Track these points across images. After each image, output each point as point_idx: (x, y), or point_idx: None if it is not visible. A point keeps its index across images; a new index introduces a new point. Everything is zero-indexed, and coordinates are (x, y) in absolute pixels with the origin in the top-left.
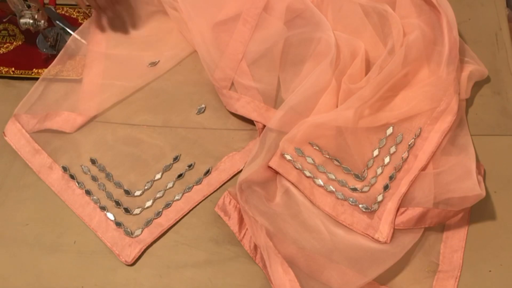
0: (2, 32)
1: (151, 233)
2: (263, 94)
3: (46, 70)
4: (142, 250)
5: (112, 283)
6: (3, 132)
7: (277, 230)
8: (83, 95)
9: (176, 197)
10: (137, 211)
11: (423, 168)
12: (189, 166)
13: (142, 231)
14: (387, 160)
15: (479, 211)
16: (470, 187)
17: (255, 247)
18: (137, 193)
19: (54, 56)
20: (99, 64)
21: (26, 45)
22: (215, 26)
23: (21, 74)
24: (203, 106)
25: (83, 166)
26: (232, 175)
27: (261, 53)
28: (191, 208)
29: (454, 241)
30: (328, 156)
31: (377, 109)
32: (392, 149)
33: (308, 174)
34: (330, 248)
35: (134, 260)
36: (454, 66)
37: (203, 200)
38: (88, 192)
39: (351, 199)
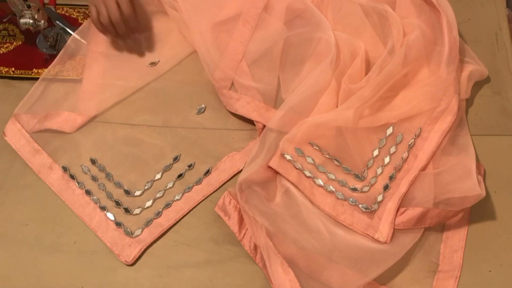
0: (2, 32)
1: (151, 233)
2: (263, 94)
3: (46, 70)
4: (142, 250)
5: (112, 283)
6: (3, 132)
7: (277, 230)
8: (83, 95)
9: (176, 197)
10: (137, 211)
11: (423, 168)
12: (189, 166)
13: (142, 231)
14: (387, 160)
15: (479, 211)
16: (470, 187)
17: (255, 247)
18: (137, 193)
19: (54, 56)
20: (99, 64)
21: (26, 45)
22: (215, 26)
23: (21, 74)
24: (203, 106)
25: (83, 166)
26: (232, 175)
27: (261, 53)
28: (191, 208)
29: (454, 241)
30: (328, 156)
31: (377, 109)
32: (392, 149)
33: (308, 174)
34: (330, 248)
35: (134, 260)
36: (454, 66)
37: (203, 200)
38: (88, 192)
39: (351, 199)
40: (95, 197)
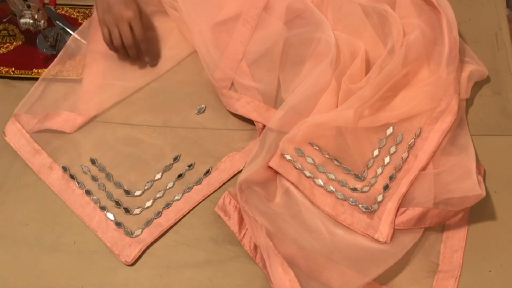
0: (2, 32)
1: (151, 233)
2: (263, 94)
3: (46, 70)
4: (142, 250)
5: (112, 283)
6: (3, 132)
7: (277, 230)
8: (83, 95)
9: (176, 197)
10: (137, 211)
11: (423, 168)
12: (189, 166)
13: (142, 231)
14: (387, 160)
15: (479, 211)
16: (470, 187)
17: (255, 247)
18: (137, 193)
19: (54, 56)
20: (99, 64)
21: (26, 45)
22: (215, 26)
23: (21, 74)
24: (203, 106)
25: (83, 166)
26: (232, 175)
27: (261, 53)
28: (191, 208)
29: (454, 241)
30: (328, 156)
31: (377, 109)
32: (392, 149)
33: (308, 174)
34: (330, 248)
35: (134, 260)
36: (454, 66)
37: (203, 200)
38: (88, 192)
39: (351, 199)
40: (95, 197)
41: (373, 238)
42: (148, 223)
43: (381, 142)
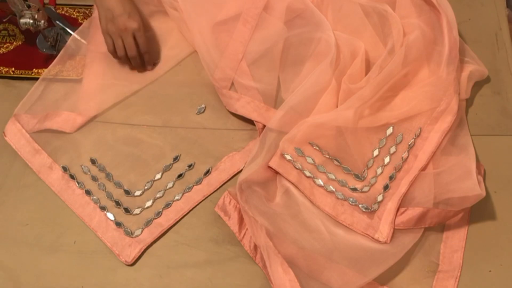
0: (2, 32)
1: (151, 233)
2: (263, 94)
3: (46, 70)
4: (142, 250)
5: (112, 283)
6: (3, 132)
7: (277, 230)
8: (83, 95)
9: (176, 197)
10: (137, 211)
11: (423, 168)
12: (189, 166)
13: (142, 231)
14: (387, 160)
15: (479, 211)
16: (470, 187)
17: (255, 247)
18: (137, 193)
19: (54, 56)
20: (99, 64)
21: (26, 45)
22: (215, 26)
23: (21, 74)
24: (203, 106)
25: (83, 166)
26: (232, 175)
27: (261, 53)
28: (191, 208)
29: (454, 241)
30: (328, 156)
31: (377, 109)
32: (392, 149)
33: (308, 174)
34: (330, 248)
35: (134, 260)
36: (454, 66)
37: (203, 200)
38: (88, 192)
39: (351, 199)
40: (95, 197)
41: (373, 238)
42: (148, 223)
43: (381, 142)
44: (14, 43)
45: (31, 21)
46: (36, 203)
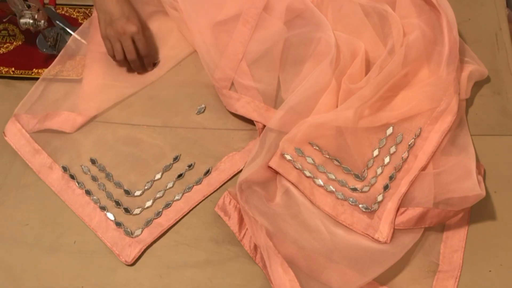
0: (2, 32)
1: (151, 233)
2: (263, 94)
3: (46, 70)
4: (142, 250)
5: (112, 283)
6: (3, 132)
7: (277, 230)
8: (83, 95)
9: (176, 197)
10: (137, 211)
11: (423, 168)
12: (189, 166)
13: (142, 231)
14: (387, 160)
15: (479, 211)
16: (470, 187)
17: (255, 247)
18: (137, 193)
19: (54, 56)
20: (99, 64)
21: (26, 45)
22: (215, 26)
23: (21, 74)
24: (203, 106)
25: (83, 166)
26: (232, 175)
27: (261, 53)
28: (191, 208)
29: (454, 241)
30: (328, 156)
31: (377, 109)
32: (392, 149)
33: (308, 174)
34: (330, 248)
35: (134, 260)
36: (454, 66)
37: (203, 200)
38: (88, 192)
39: (351, 199)
40: (95, 197)
41: (373, 238)
42: (148, 223)
43: (381, 142)
44: (14, 43)
45: (31, 21)
46: (36, 203)
